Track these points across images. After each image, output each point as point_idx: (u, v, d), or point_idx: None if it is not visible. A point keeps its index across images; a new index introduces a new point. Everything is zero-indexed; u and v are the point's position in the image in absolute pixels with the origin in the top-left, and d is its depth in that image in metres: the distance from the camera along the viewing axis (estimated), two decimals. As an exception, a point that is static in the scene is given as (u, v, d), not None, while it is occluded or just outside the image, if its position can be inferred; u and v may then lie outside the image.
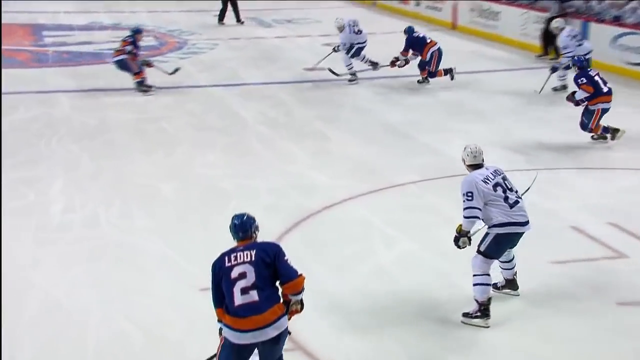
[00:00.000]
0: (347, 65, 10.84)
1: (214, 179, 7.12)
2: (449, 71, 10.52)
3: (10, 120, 8.88)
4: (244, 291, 3.47)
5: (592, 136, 7.98)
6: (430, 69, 10.52)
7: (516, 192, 4.67)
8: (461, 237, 4.59)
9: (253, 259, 3.54)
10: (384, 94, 10.61)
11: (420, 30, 11.22)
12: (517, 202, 4.60)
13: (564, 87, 9.82)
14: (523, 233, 4.62)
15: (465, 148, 4.81)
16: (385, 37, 14.79)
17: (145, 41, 11.88)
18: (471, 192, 4.53)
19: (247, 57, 13.08)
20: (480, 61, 12.67)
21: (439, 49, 10.44)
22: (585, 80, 7.75)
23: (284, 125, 9.10)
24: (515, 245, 4.69)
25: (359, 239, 5.82)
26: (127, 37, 10.28)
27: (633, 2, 11.46)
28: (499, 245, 4.58)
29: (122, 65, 10.08)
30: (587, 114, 7.72)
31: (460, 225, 4.59)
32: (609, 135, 7.84)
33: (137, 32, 10.36)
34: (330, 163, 7.57)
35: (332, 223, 6.16)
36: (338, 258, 5.53)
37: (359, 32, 10.86)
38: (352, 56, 10.80)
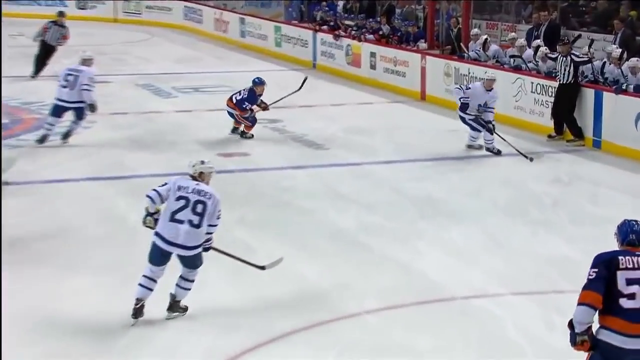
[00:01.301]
0: None
1: (90, 317, 7.02)
2: None
3: None
4: None
5: None
6: None
7: None
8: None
9: None
10: (333, 186, 10.93)
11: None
12: None
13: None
14: None
15: None
16: (329, 111, 15.47)
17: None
18: None
19: (137, 140, 13.34)
20: (462, 143, 13.19)
21: None
22: None
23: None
24: None
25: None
26: None
27: None
28: None
29: None
30: None
31: None
32: None
33: None
34: (255, 287, 7.56)
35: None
36: None
37: None
38: None
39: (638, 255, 5.43)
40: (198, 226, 6.88)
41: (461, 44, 16.73)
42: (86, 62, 12.68)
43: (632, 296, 5.19)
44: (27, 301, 7.15)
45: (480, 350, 6.37)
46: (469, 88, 12.81)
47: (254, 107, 13.18)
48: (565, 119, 13.30)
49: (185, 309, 6.93)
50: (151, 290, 6.78)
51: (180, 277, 6.87)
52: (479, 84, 12.86)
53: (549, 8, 16.19)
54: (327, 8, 21.84)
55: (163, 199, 7.02)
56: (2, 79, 12.61)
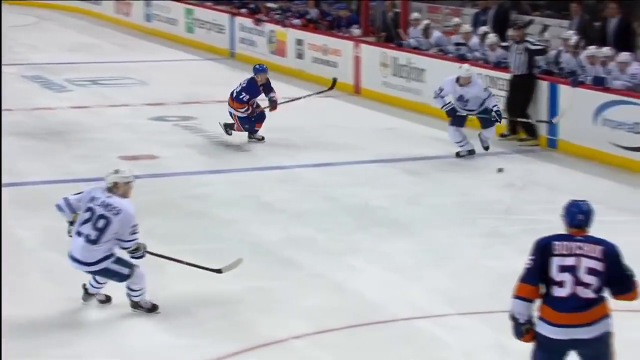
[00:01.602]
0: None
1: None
2: None
3: None
4: None
5: None
6: None
7: None
8: None
9: None
10: (256, 194, 10.97)
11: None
12: None
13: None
14: None
15: None
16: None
17: None
18: None
19: (26, 141, 13.29)
20: (400, 143, 13.52)
21: None
22: None
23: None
24: None
25: None
26: None
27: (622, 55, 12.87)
28: None
29: None
30: None
31: None
32: None
33: None
34: (168, 311, 7.58)
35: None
36: None
37: None
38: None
39: (577, 240, 5.66)
40: (94, 242, 7.10)
41: (399, 30, 16.95)
42: None
43: (561, 284, 5.45)
44: None
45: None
46: (442, 89, 12.88)
47: (264, 106, 13.07)
48: (519, 115, 13.44)
49: (152, 308, 7.44)
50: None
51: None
52: (449, 81, 12.81)
53: (498, -10, 16.37)
54: (246, -12, 21.87)
55: (74, 209, 7.30)
56: None
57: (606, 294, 5.55)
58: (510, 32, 13.87)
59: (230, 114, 13.13)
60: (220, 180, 11.61)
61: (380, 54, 16.49)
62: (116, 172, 7.27)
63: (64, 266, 7.65)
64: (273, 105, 13.27)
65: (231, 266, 7.82)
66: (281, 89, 17.14)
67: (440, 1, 18.75)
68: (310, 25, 18.98)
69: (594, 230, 5.68)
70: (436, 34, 15.92)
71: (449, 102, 12.68)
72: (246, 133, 13.39)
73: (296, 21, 19.15)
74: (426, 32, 15.98)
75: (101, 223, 7.10)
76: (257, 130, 13.37)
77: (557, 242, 5.64)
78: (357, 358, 6.77)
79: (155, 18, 24.11)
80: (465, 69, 12.50)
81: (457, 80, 12.58)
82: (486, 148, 12.90)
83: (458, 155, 12.85)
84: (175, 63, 18.23)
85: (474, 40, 14.97)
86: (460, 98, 12.42)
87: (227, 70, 18.05)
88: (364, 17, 18.63)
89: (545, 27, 14.82)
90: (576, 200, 5.85)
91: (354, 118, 15.35)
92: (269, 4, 20.59)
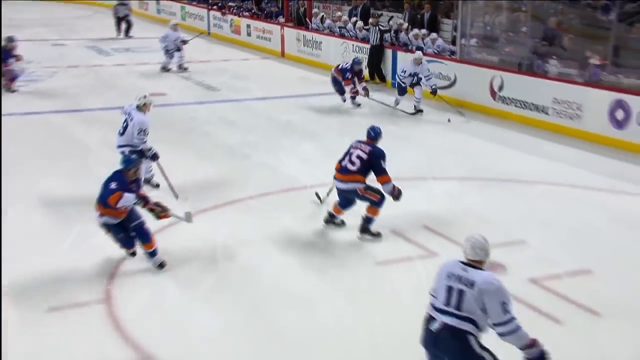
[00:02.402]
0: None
1: (56, 205, 6.70)
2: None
3: None
4: None
5: None
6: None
7: None
8: None
9: None
10: (224, 116, 10.61)
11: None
12: None
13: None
14: None
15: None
16: (220, 65, 14.89)
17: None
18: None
19: (88, 85, 12.51)
20: (308, 85, 13.04)
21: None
22: None
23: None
24: None
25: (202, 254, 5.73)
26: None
27: (432, 34, 12.57)
28: None
29: None
30: None
31: None
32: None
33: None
34: (173, 183, 7.27)
35: (177, 240, 5.92)
36: (185, 270, 5.42)
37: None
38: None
39: (361, 143, 5.97)
40: (121, 135, 6.88)
41: (306, 18, 16.33)
42: None
43: (347, 158, 6.00)
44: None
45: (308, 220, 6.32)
46: (404, 71, 10.83)
47: (359, 89, 11.13)
48: (375, 70, 13.16)
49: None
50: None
51: None
52: (408, 63, 10.91)
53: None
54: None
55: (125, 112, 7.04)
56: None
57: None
58: (370, 20, 13.43)
59: (336, 81, 11.11)
60: (203, 109, 11.07)
61: (296, 34, 15.83)
62: (145, 96, 6.94)
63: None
64: (366, 93, 11.15)
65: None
66: (238, 54, 16.66)
67: (330, 1, 18.00)
68: (255, 16, 18.17)
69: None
70: (328, 21, 15.30)
71: (404, 82, 10.78)
72: None
73: (246, 14, 18.35)
74: (322, 20, 15.37)
75: (124, 125, 6.87)
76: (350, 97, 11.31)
77: (357, 142, 6.05)
78: (286, 211, 6.62)
79: (163, 11, 22.88)
80: (418, 53, 10.89)
81: (414, 61, 10.62)
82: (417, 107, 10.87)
83: (416, 110, 10.76)
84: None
85: (349, 25, 14.43)
86: (415, 74, 10.61)
87: (206, 43, 17.35)
88: (286, 11, 17.96)
89: (390, 18, 14.47)
90: (373, 125, 6.20)
91: (281, 71, 14.80)
92: (230, 4, 19.65)
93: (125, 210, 5.32)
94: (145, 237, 5.36)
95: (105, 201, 5.23)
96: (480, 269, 3.48)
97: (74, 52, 15.92)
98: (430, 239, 6.00)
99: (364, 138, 6.14)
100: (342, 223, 6.24)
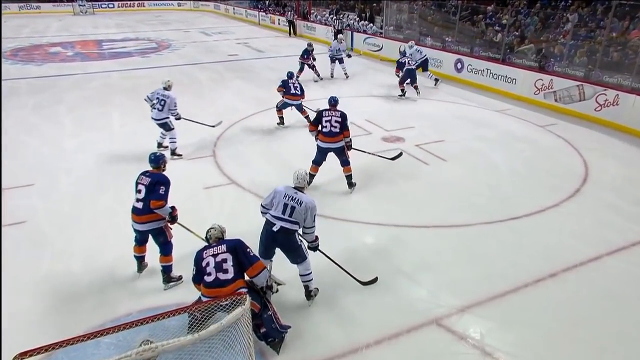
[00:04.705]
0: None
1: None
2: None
3: (92, 86, 12.75)
4: None
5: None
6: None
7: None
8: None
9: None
10: (218, 76, 12.38)
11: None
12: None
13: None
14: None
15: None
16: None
17: (146, 44, 18.11)
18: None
19: (201, 49, 19.02)
20: (293, 50, 16.62)
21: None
22: None
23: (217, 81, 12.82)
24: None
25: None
26: None
27: (370, 24, 18.20)
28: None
29: None
30: None
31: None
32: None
33: None
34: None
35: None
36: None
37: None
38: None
39: (331, 110, 6.08)
40: (159, 108, 6.71)
41: (308, 14, 20.65)
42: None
43: (326, 126, 5.78)
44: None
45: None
46: (404, 53, 12.51)
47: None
48: (335, 38, 14.46)
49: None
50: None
51: None
52: (413, 50, 12.42)
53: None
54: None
55: (151, 99, 6.89)
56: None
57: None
58: (336, 16, 17.43)
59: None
60: (199, 69, 14.21)
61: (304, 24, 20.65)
62: (168, 80, 6.90)
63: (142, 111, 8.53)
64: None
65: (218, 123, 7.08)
66: (259, 32, 22.07)
67: (319, 5, 22.13)
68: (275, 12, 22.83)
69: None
70: (319, 17, 19.25)
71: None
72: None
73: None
74: (315, 15, 18.95)
75: (161, 103, 6.83)
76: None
77: (325, 111, 5.87)
78: (272, 175, 7.15)
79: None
80: (412, 43, 12.70)
81: (411, 47, 12.40)
82: (436, 80, 12.82)
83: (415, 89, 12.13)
84: (242, 28, 23.51)
85: (330, 18, 18.68)
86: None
87: (256, 29, 22.19)
88: (297, 9, 23.11)
89: (348, 15, 18.35)
90: (333, 96, 6.16)
91: (292, 44, 19.88)
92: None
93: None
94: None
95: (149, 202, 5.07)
96: (302, 191, 4.69)
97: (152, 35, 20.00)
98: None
99: (327, 106, 6.45)
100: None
